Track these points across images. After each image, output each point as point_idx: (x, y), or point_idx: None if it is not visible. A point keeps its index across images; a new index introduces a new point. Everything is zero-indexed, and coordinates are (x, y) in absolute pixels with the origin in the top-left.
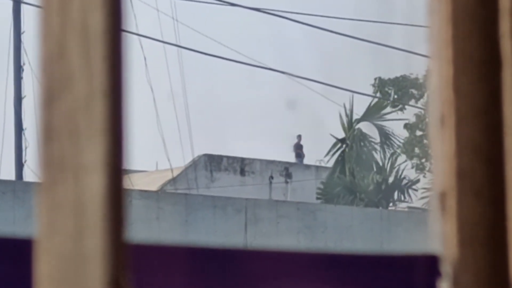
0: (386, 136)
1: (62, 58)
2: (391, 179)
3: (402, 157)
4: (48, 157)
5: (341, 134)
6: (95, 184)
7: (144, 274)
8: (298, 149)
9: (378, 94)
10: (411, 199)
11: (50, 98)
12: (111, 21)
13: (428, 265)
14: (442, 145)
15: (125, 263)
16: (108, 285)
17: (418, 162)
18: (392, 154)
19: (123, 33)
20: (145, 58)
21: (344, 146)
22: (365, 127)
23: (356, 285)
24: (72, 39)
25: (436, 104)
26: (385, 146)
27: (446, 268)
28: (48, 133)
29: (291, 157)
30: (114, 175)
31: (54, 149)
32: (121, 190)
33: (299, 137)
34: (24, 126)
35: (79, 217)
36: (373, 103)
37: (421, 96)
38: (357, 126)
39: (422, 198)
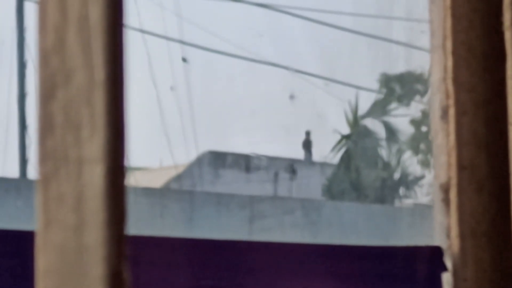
0: (391, 132)
1: (62, 51)
2: (396, 176)
3: (408, 153)
4: (47, 150)
5: (345, 130)
6: (95, 176)
7: (145, 266)
8: (307, 146)
9: (384, 90)
10: (417, 196)
11: (50, 90)
12: (111, 14)
13: (432, 256)
14: (443, 137)
15: (125, 256)
16: (108, 278)
17: (424, 158)
18: (397, 150)
19: (123, 26)
20: (148, 55)
21: (349, 142)
22: (370, 123)
23: (359, 277)
24: (72, 32)
25: (438, 97)
26: (391, 142)
27: (448, 259)
28: (47, 126)
29: (295, 153)
30: (114, 167)
31: (54, 141)
32: (121, 182)
33: (308, 133)
34: (27, 123)
35: (79, 209)
36: (378, 99)
37: (427, 92)
38: (362, 122)
39: (428, 194)
